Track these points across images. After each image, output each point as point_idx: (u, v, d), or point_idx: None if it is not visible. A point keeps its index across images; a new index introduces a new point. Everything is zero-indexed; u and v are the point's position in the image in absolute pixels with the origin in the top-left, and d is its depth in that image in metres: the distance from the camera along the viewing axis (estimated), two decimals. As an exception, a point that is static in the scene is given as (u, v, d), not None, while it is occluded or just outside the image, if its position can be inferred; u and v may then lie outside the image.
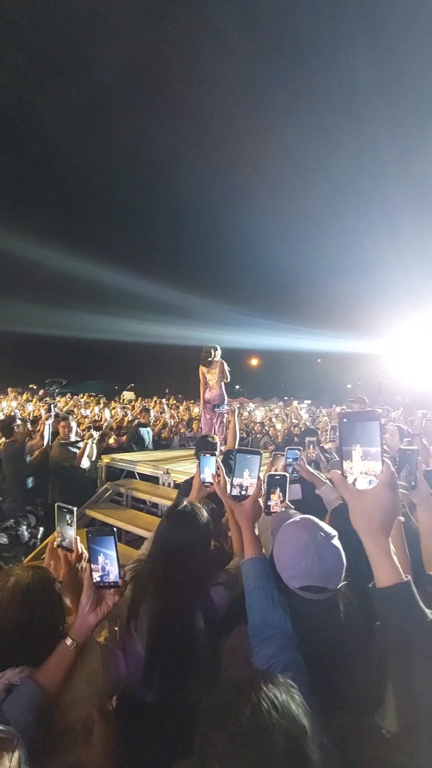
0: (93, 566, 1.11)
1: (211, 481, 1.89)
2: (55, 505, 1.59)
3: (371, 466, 0.78)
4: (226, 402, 6.14)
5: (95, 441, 5.15)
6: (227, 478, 1.83)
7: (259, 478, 1.31)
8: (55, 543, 1.55)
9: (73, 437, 4.97)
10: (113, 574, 1.11)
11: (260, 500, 1.33)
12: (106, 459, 5.30)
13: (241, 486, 1.30)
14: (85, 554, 1.52)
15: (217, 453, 1.99)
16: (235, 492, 1.30)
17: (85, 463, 4.87)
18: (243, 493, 1.30)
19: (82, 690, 1.02)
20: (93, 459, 5.16)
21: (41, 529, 3.34)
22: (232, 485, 1.31)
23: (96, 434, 5.09)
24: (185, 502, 1.53)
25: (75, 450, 4.85)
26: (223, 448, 3.66)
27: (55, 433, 5.15)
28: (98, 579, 1.10)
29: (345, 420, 0.82)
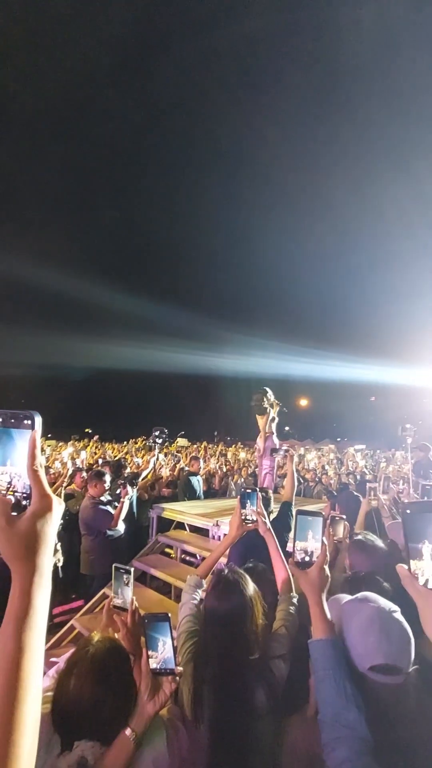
0: (150, 653, 1.10)
1: (254, 518, 1.86)
2: (113, 566, 1.66)
3: None
4: (281, 447, 5.64)
5: (131, 498, 4.68)
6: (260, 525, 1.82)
7: (323, 542, 1.20)
8: (111, 603, 1.61)
9: (106, 496, 4.38)
10: (170, 661, 1.10)
11: (326, 567, 1.22)
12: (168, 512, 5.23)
13: (305, 551, 1.18)
14: (139, 616, 1.55)
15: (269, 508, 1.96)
16: (299, 557, 1.19)
17: (121, 527, 4.25)
18: (307, 559, 1.18)
19: None
20: (135, 513, 5.02)
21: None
22: (295, 550, 1.21)
23: (132, 491, 4.54)
24: (226, 570, 1.51)
25: (109, 510, 4.22)
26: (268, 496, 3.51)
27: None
28: (155, 666, 1.10)
29: (409, 511, 0.76)
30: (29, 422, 0.60)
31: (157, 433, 6.79)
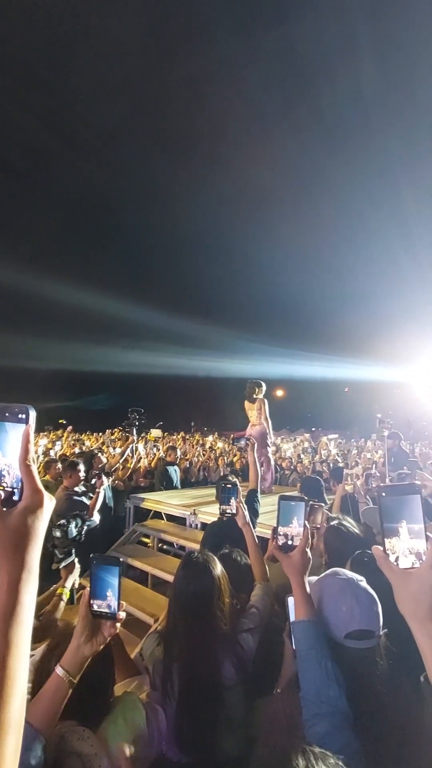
0: (93, 593, 1.06)
1: (234, 511, 1.98)
2: (90, 556, 1.64)
3: (415, 545, 0.74)
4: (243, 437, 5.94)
5: (107, 487, 4.60)
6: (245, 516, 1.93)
7: (306, 526, 1.23)
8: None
9: (81, 487, 4.26)
10: (112, 606, 1.06)
11: (308, 550, 1.26)
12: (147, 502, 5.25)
13: (287, 535, 1.23)
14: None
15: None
16: (282, 541, 1.23)
17: (96, 518, 4.09)
18: (290, 543, 1.22)
19: (129, 752, 1.02)
20: (111, 504, 4.96)
21: (85, 527, 3.42)
22: (277, 534, 1.25)
23: (107, 480, 4.43)
24: (196, 552, 1.57)
25: (84, 501, 4.15)
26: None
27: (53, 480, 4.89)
28: (96, 608, 1.05)
29: (384, 494, 0.78)
30: (23, 416, 0.60)
31: (135, 415, 6.65)
